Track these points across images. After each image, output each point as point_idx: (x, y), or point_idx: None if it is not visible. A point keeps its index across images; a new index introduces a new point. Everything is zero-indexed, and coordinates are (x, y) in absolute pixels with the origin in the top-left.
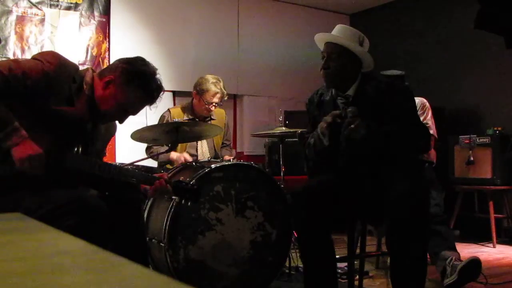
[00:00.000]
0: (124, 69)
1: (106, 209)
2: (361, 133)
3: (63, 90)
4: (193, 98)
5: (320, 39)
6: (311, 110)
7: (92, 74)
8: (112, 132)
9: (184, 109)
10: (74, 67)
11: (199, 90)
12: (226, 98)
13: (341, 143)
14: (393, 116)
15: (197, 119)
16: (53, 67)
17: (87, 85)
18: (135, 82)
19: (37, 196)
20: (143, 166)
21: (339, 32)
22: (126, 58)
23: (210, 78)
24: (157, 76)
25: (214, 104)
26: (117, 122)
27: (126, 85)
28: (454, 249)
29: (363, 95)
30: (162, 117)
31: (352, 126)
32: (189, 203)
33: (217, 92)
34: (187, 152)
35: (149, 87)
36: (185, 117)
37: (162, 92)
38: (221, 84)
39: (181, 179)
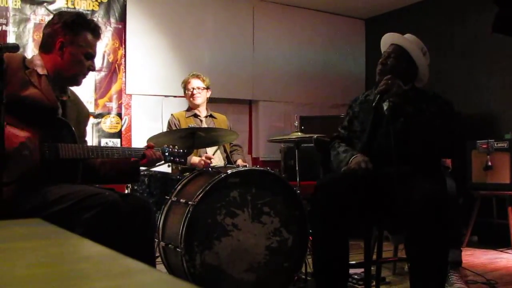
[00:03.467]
0: (63, 26)
1: (123, 205)
2: (394, 91)
3: (18, 77)
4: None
5: (387, 39)
6: (353, 105)
7: (39, 55)
8: (85, 115)
9: (185, 111)
10: (21, 55)
11: (183, 88)
12: (206, 82)
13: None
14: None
15: (199, 117)
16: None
17: (39, 66)
18: (80, 28)
19: (55, 192)
20: (159, 172)
21: (406, 38)
22: (53, 20)
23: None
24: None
25: (195, 88)
26: (88, 107)
27: (76, 36)
28: (457, 267)
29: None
30: (168, 123)
31: (387, 81)
32: (179, 167)
33: (193, 77)
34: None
35: (90, 24)
36: (187, 115)
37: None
38: (198, 73)
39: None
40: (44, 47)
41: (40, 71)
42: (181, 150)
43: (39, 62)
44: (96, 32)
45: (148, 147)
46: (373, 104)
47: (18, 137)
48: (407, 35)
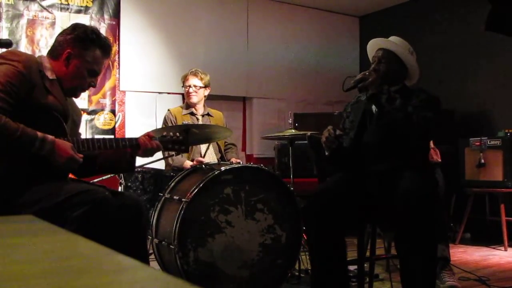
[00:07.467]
0: (75, 38)
1: (113, 202)
2: (370, 80)
3: (38, 83)
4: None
5: (374, 44)
6: (346, 108)
7: (47, 58)
8: (79, 115)
9: (182, 106)
10: (35, 58)
11: (182, 84)
12: (205, 80)
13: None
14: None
15: (195, 115)
16: (22, 65)
17: (49, 70)
18: (90, 43)
19: (45, 189)
20: (152, 169)
21: (393, 41)
22: (67, 30)
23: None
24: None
25: (192, 86)
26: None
27: (84, 51)
28: (446, 265)
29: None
30: (164, 118)
31: (365, 72)
32: (181, 155)
33: (191, 75)
34: (192, 157)
35: (102, 41)
36: (183, 112)
37: (111, 41)
38: (197, 70)
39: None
40: (53, 53)
41: (50, 75)
42: (181, 137)
43: (48, 65)
44: (106, 50)
45: (147, 135)
46: (347, 89)
47: None
48: (393, 38)
